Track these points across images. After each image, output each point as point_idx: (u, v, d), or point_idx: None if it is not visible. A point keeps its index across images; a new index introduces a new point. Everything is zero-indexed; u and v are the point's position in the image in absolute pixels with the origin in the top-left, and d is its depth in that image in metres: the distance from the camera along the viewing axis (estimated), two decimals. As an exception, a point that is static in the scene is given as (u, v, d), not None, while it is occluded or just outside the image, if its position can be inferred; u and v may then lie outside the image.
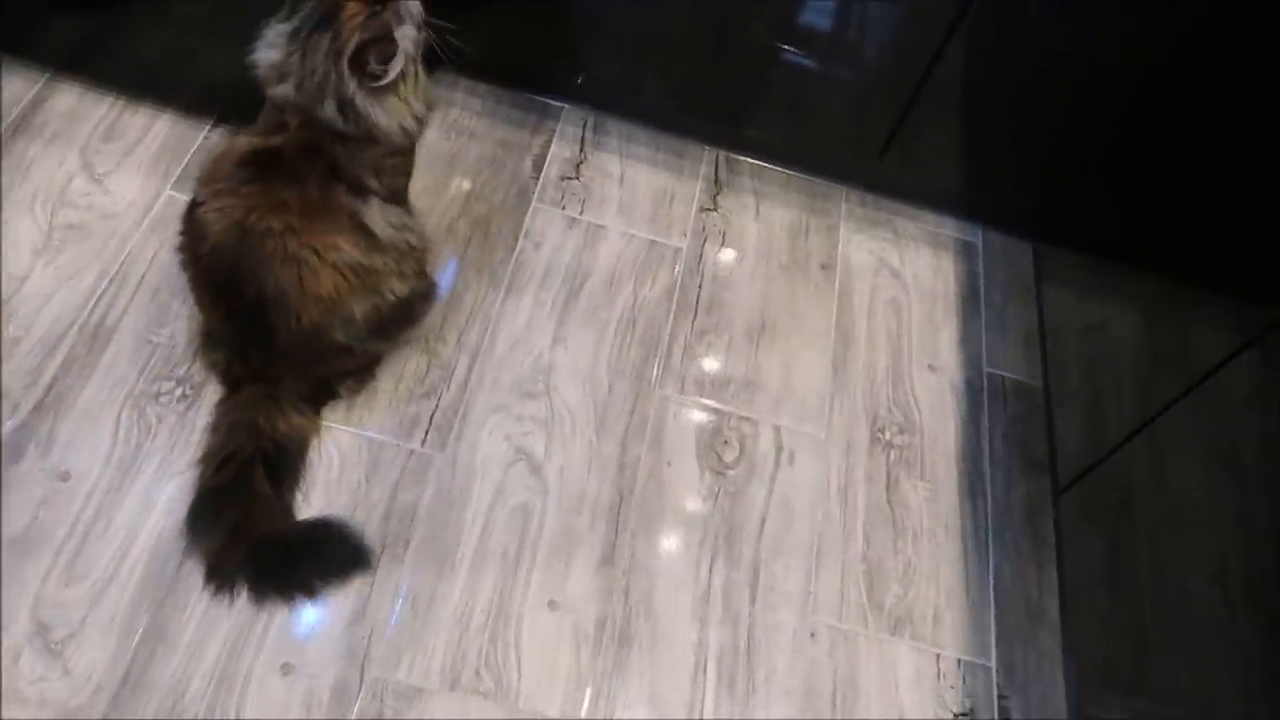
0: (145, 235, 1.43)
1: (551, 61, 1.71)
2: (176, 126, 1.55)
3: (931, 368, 1.57)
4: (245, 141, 1.18)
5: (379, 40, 1.10)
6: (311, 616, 1.19)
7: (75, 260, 1.39)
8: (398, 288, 1.24)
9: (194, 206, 1.18)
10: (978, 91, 1.55)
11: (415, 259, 1.28)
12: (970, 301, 1.66)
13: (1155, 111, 1.45)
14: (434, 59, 1.23)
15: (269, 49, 1.15)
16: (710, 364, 1.50)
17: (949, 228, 1.75)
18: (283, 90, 1.14)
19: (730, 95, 1.68)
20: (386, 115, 1.15)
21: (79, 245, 1.41)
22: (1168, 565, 1.19)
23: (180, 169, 1.51)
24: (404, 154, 1.24)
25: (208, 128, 1.57)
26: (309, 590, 1.18)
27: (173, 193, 1.48)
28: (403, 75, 1.14)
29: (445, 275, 1.49)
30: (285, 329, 1.16)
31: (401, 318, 1.30)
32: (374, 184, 1.20)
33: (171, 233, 1.32)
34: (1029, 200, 1.71)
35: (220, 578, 1.15)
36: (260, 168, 1.15)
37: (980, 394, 1.55)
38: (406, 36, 1.13)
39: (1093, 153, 1.56)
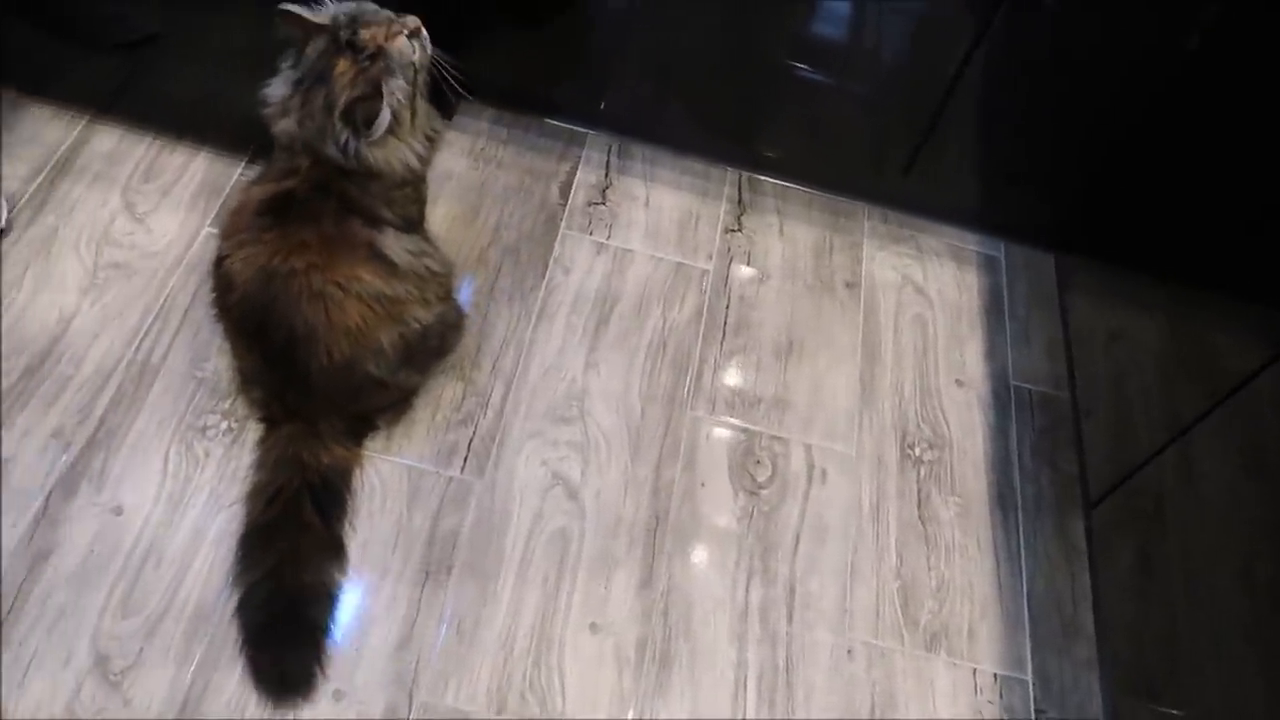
0: (186, 272, 1.47)
1: (574, 88, 1.75)
2: (213, 164, 1.60)
3: (959, 382, 1.58)
4: (260, 190, 1.23)
5: (367, 98, 1.15)
6: (360, 642, 1.22)
7: (120, 298, 1.43)
8: (421, 315, 1.27)
9: (220, 260, 1.22)
10: (999, 106, 1.57)
11: (437, 284, 1.31)
12: (995, 315, 1.68)
13: (1175, 119, 1.46)
14: (442, 92, 1.26)
15: (279, 86, 1.20)
16: (740, 384, 1.52)
17: (971, 242, 1.77)
18: (286, 125, 1.19)
19: (752, 116, 1.71)
20: (385, 156, 1.20)
21: (123, 283, 1.45)
22: (1200, 574, 1.20)
23: (218, 206, 1.55)
24: (413, 184, 1.28)
25: (243, 164, 1.61)
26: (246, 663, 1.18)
27: (211, 230, 1.52)
28: (397, 119, 1.18)
29: (477, 302, 1.52)
30: (318, 366, 1.19)
31: (430, 348, 1.33)
32: (387, 214, 1.24)
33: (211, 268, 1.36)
34: (1050, 212, 1.73)
35: (244, 613, 1.19)
36: (277, 213, 1.19)
37: (1008, 407, 1.57)
38: (396, 90, 1.17)
39: (1113, 162, 1.58)
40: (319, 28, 1.17)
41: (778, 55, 1.60)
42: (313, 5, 1.19)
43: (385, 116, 1.16)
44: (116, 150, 1.59)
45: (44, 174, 1.53)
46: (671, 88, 1.69)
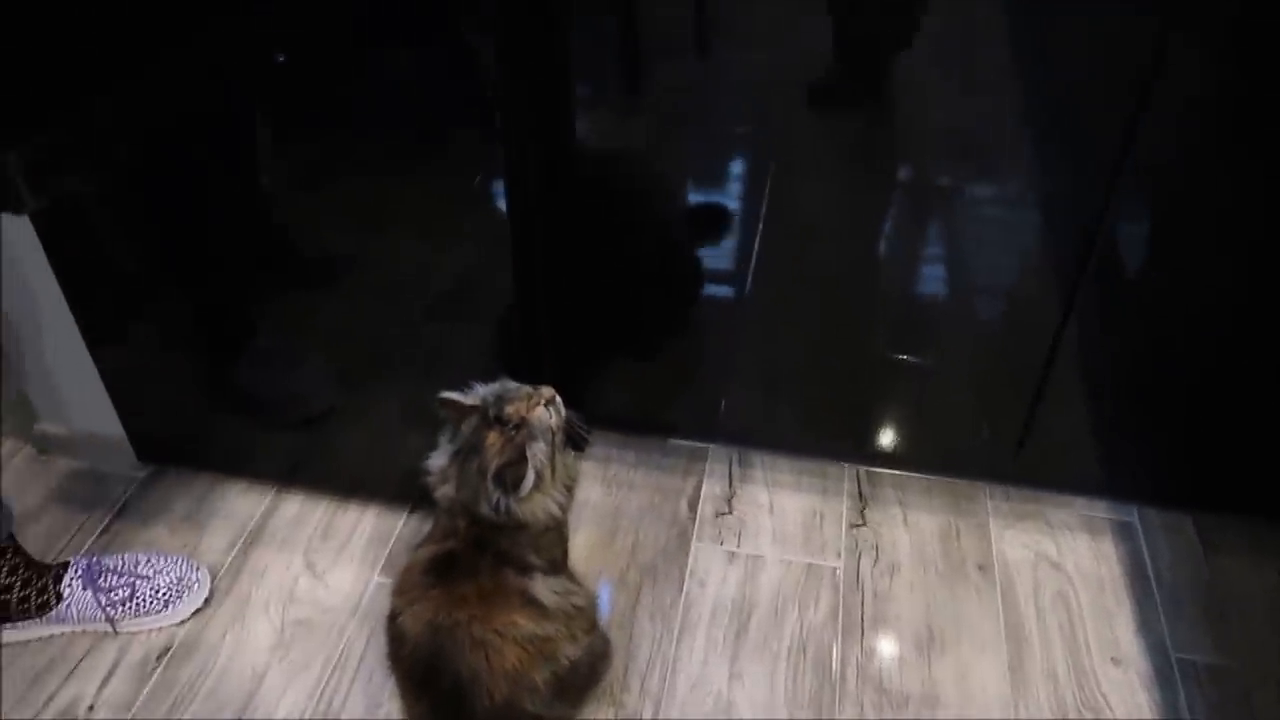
0: (360, 622, 1.62)
1: (690, 408, 1.91)
2: (380, 518, 1.80)
3: (1114, 660, 1.54)
4: (425, 551, 1.39)
5: (514, 463, 1.32)
6: None
7: (304, 652, 1.58)
8: (571, 650, 1.36)
9: (394, 617, 1.37)
10: (1104, 368, 1.61)
11: (583, 618, 1.41)
12: (1140, 583, 1.65)
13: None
14: (575, 443, 1.44)
15: (438, 458, 1.39)
16: (885, 682, 1.52)
17: (1101, 510, 1.77)
18: (446, 490, 1.36)
19: (860, 412, 1.82)
20: (531, 509, 1.35)
21: (306, 639, 1.60)
22: None
23: (384, 555, 1.73)
24: (556, 529, 1.42)
25: (405, 514, 1.80)
26: None
27: (380, 579, 1.68)
28: (540, 477, 1.34)
29: (620, 623, 1.61)
30: (482, 708, 1.28)
31: (581, 679, 1.41)
32: (535, 560, 1.37)
33: (380, 616, 1.50)
34: (1179, 469, 1.73)
35: None
36: (440, 571, 1.34)
37: (1173, 683, 1.51)
38: (538, 452, 1.33)
39: (1235, 409, 1.58)
40: (471, 409, 1.37)
41: (876, 351, 1.72)
42: (464, 389, 1.40)
43: (530, 477, 1.32)
44: (299, 515, 1.81)
45: (239, 544, 1.76)
46: (780, 395, 1.83)
